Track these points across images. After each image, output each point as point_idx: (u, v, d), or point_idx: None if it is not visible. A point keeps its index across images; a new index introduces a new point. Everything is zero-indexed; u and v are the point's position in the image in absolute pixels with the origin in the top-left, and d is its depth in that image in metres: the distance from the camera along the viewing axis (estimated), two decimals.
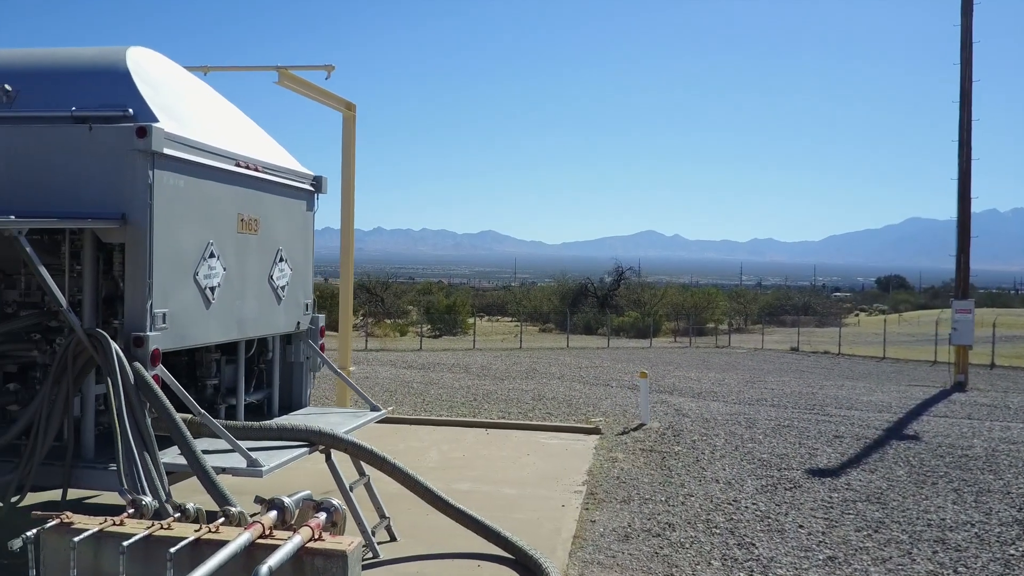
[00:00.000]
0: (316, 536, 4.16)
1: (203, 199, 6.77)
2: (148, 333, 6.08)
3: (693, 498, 9.21)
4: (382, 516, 7.53)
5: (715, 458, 11.25)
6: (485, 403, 15.86)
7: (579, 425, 13.21)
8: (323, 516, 4.36)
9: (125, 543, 4.06)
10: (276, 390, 8.45)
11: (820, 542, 7.76)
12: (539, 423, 13.35)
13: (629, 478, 10.04)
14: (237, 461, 6.25)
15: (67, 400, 5.96)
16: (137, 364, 5.93)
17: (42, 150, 6.24)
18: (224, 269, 7.07)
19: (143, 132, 6.00)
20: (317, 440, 7.00)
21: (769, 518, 8.50)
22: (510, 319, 62.00)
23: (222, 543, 4.14)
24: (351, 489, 7.16)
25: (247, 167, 7.41)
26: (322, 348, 8.91)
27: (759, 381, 21.36)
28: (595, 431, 12.83)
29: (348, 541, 4.21)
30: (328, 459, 7.13)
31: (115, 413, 5.71)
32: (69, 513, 4.40)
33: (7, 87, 6.60)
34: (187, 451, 5.84)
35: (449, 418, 13.71)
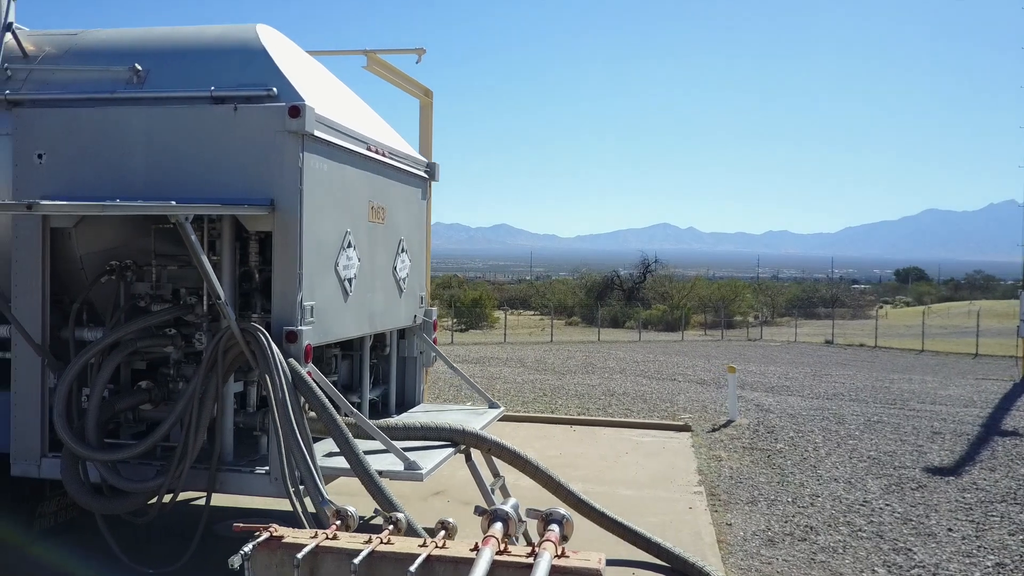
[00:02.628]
0: (560, 552, 3.75)
1: (343, 185, 6.37)
2: (301, 327, 5.69)
3: (819, 499, 8.78)
4: (519, 520, 7.10)
5: (822, 456, 10.81)
6: (557, 398, 15.44)
7: (667, 422, 12.78)
8: (556, 529, 3.95)
9: (356, 560, 3.68)
10: (393, 386, 8.06)
11: (979, 547, 7.32)
12: (625, 420, 12.92)
13: (743, 478, 9.61)
14: (393, 463, 5.86)
15: (217, 398, 5.58)
16: (292, 360, 5.54)
17: (179, 132, 5.83)
18: (359, 260, 6.68)
19: (296, 112, 5.58)
20: (461, 439, 6.61)
21: (911, 521, 8.05)
22: (532, 312, 61.53)
23: (456, 560, 3.74)
24: (492, 491, 6.77)
25: (377, 152, 7.01)
26: (434, 342, 8.51)
27: (824, 375, 20.87)
28: (685, 428, 12.40)
29: (597, 558, 3.80)
30: (468, 460, 6.73)
31: (276, 413, 5.32)
32: (276, 526, 4.01)
33: (137, 66, 6.20)
34: (350, 453, 5.44)
35: (531, 414, 13.30)
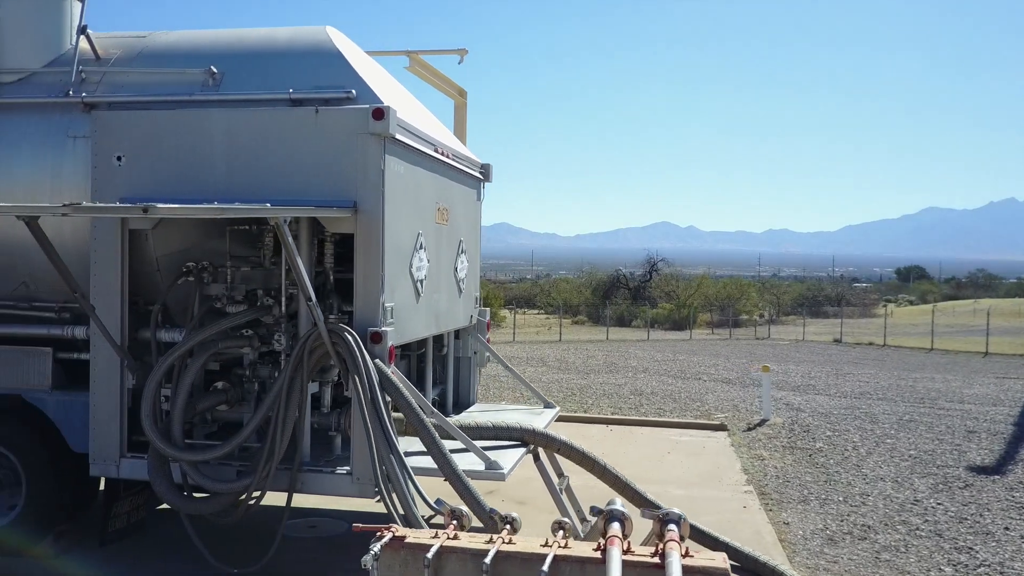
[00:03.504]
0: (684, 552, 3.79)
1: (415, 187, 6.40)
2: (385, 328, 5.72)
3: (870, 498, 8.82)
4: (583, 520, 7.15)
5: (863, 455, 10.85)
6: (586, 398, 15.47)
7: (703, 422, 12.81)
8: (675, 529, 3.98)
9: (487, 559, 3.71)
10: (451, 386, 8.10)
11: None
12: (661, 420, 12.96)
13: (789, 477, 9.65)
14: (473, 463, 5.89)
15: (303, 398, 5.61)
16: (378, 361, 5.57)
17: (258, 134, 5.86)
18: (428, 262, 6.71)
19: (380, 114, 5.61)
20: (531, 439, 6.65)
21: (966, 520, 8.09)
22: (537, 311, 61.45)
23: (582, 560, 3.78)
24: (561, 491, 6.80)
25: (442, 153, 7.04)
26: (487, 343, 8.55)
27: (846, 374, 20.92)
28: (721, 427, 12.44)
29: (720, 557, 3.84)
30: (537, 459, 6.77)
31: (365, 413, 5.36)
32: (395, 526, 4.04)
33: (213, 69, 6.23)
34: (437, 454, 5.47)
35: (566, 414, 13.33)
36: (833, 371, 21.37)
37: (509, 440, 6.55)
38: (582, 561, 3.77)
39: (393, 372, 5.68)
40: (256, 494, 5.66)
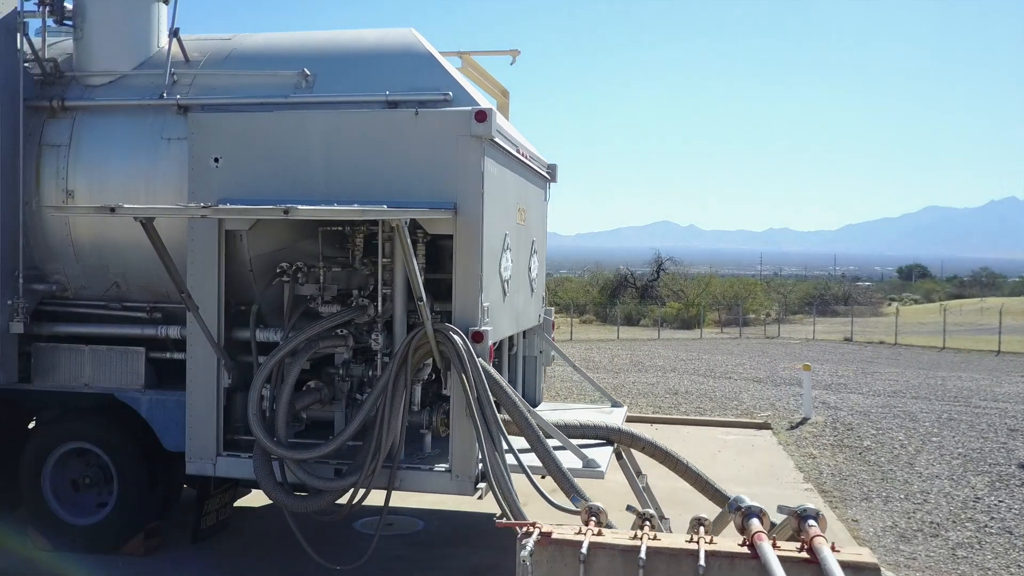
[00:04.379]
0: (831, 547, 3.86)
1: (504, 188, 6.46)
2: (486, 328, 5.79)
3: (931, 495, 8.90)
4: (662, 517, 7.22)
5: (912, 453, 10.93)
6: (621, 397, 15.50)
7: (747, 420, 12.90)
8: (816, 524, 4.05)
9: (641, 554, 3.78)
10: (519, 385, 8.16)
11: None
12: (706, 419, 13.04)
13: (845, 475, 9.73)
14: (570, 461, 5.96)
15: (407, 396, 5.66)
16: (482, 360, 5.63)
17: (357, 135, 5.90)
18: (511, 262, 6.78)
19: (483, 116, 5.67)
20: (617, 438, 6.73)
21: None
22: None
23: (731, 555, 3.85)
24: (647, 489, 6.88)
25: (521, 154, 7.10)
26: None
27: (872, 372, 21.01)
28: (765, 426, 12.52)
29: (867, 552, 3.91)
30: (620, 458, 6.84)
31: (475, 412, 5.42)
32: (540, 523, 4.11)
33: (306, 71, 6.30)
34: (543, 452, 5.54)
35: None
36: (859, 370, 21.45)
37: (596, 439, 6.62)
38: (731, 556, 3.84)
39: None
40: (360, 492, 5.70)
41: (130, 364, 6.48)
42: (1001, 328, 37.02)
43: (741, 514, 4.17)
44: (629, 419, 12.68)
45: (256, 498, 7.62)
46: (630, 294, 59.60)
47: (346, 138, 5.91)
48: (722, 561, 3.82)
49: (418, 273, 5.33)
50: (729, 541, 3.98)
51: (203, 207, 4.66)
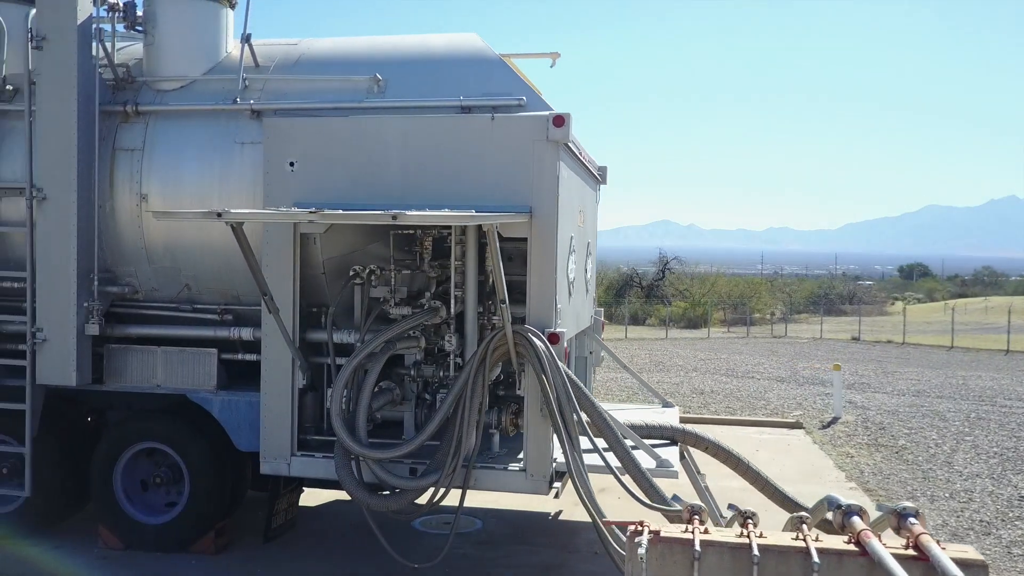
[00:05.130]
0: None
1: (571, 191, 6.55)
2: (562, 329, 5.88)
3: (974, 494, 9.00)
4: (721, 516, 7.32)
5: (948, 453, 11.03)
6: (648, 396, 15.61)
7: (779, 420, 13.00)
8: (917, 522, 4.15)
9: (754, 551, 3.88)
10: None
11: None
12: (738, 418, 13.13)
13: (886, 474, 9.83)
14: (645, 461, 6.04)
15: (484, 396, 5.75)
16: (560, 361, 5.72)
17: (432, 140, 5.98)
18: (574, 264, 6.87)
19: (561, 121, 5.76)
20: (681, 438, 6.83)
21: None
22: None
23: (840, 552, 3.94)
24: (707, 489, 6.98)
25: (583, 157, 7.19)
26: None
27: (892, 372, 21.11)
28: (797, 425, 12.62)
29: (972, 549, 4.01)
30: (682, 458, 6.94)
31: (555, 413, 5.52)
32: (646, 521, 4.20)
33: (378, 76, 6.39)
34: (622, 452, 5.63)
35: None
36: (878, 369, 21.55)
37: (661, 439, 6.72)
38: (839, 553, 3.94)
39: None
40: (439, 491, 5.79)
41: (203, 365, 6.57)
42: (1010, 327, 37.10)
43: (841, 512, 4.27)
44: None
45: (309, 497, 7.71)
46: (635, 293, 59.67)
47: (421, 143, 6.00)
48: (831, 559, 3.91)
49: (503, 275, 5.41)
50: (834, 539, 4.08)
51: (311, 211, 4.74)
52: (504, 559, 6.83)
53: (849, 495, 8.71)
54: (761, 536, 4.06)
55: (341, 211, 5.06)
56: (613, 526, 5.46)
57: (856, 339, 41.38)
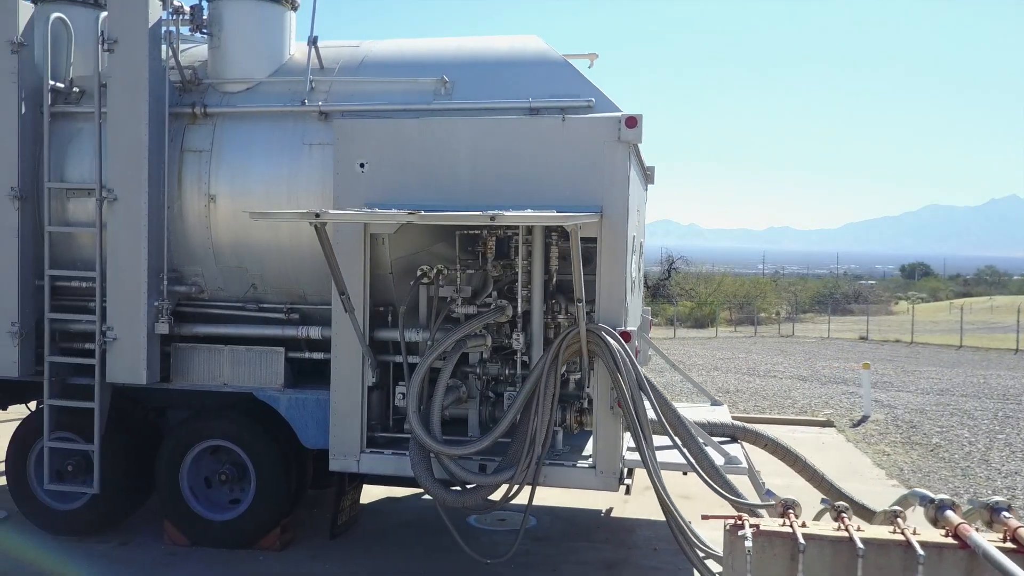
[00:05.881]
0: None
1: (634, 192, 6.63)
2: (632, 328, 5.96)
3: (1018, 491, 9.11)
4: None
5: (983, 450, 11.12)
6: (676, 396, 15.72)
7: (810, 418, 13.09)
8: (1010, 516, 4.23)
9: (860, 544, 3.96)
10: None
11: None
12: (769, 417, 13.21)
13: (925, 472, 9.91)
14: (713, 458, 6.12)
15: (556, 394, 5.82)
16: (634, 360, 5.80)
17: (502, 141, 6.03)
18: (634, 263, 6.95)
19: (633, 123, 5.84)
20: (742, 436, 6.91)
21: None
22: None
23: (939, 545, 4.02)
24: (764, 485, 7.04)
25: (640, 157, 7.27)
26: None
27: (912, 371, 21.22)
28: (829, 424, 12.71)
29: None
30: None
31: (631, 410, 5.59)
32: (745, 516, 4.28)
33: (445, 78, 6.47)
34: (696, 449, 5.71)
35: None
36: (898, 368, 21.65)
37: (722, 436, 6.80)
38: (939, 547, 4.02)
39: None
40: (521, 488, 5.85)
41: (270, 364, 6.64)
42: (1020, 327, 37.14)
43: (934, 507, 4.35)
44: None
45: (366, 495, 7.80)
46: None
47: (491, 144, 6.06)
48: (930, 552, 3.99)
49: (581, 275, 5.48)
50: (933, 532, 4.16)
51: (410, 213, 4.81)
52: (567, 555, 6.91)
53: (892, 492, 8.81)
54: (859, 529, 4.14)
55: (439, 212, 5.13)
56: (684, 522, 5.55)
57: (864, 338, 41.47)
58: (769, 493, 5.19)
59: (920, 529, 4.19)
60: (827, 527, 4.20)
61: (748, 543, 3.96)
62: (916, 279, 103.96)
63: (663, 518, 7.82)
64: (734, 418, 7.88)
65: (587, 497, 8.20)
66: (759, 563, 4.06)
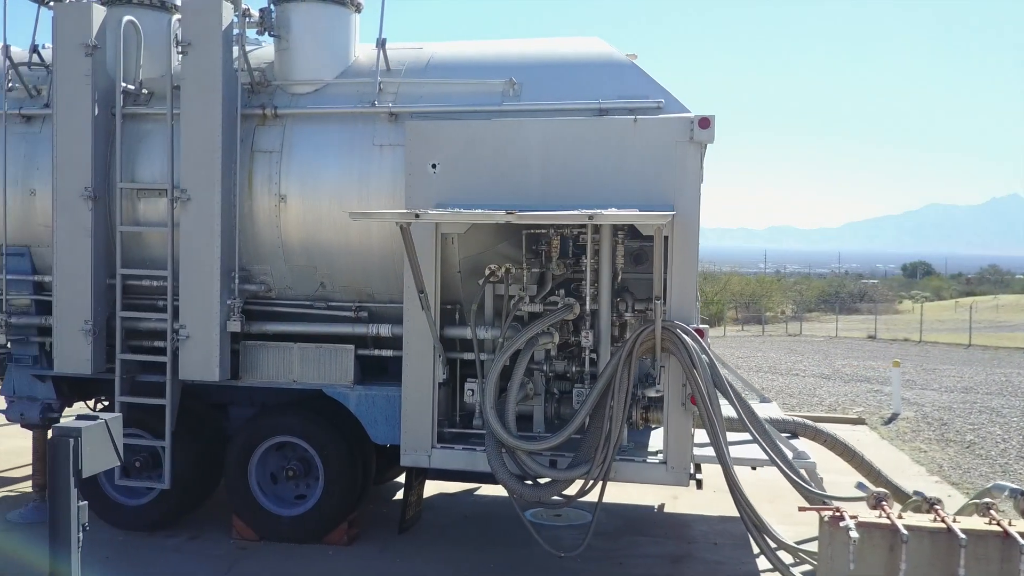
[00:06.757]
0: None
1: None
2: (704, 325, 6.06)
3: None
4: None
5: (1018, 447, 11.24)
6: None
7: (841, 416, 13.19)
8: None
9: (961, 535, 4.06)
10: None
11: None
12: (796, 414, 13.31)
13: (965, 468, 10.02)
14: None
15: (629, 389, 5.91)
16: (711, 356, 5.91)
17: (573, 142, 6.13)
18: None
19: (707, 123, 5.94)
20: (802, 432, 7.03)
21: None
22: None
23: None
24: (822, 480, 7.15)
25: None
26: None
27: (932, 369, 21.34)
28: (860, 422, 12.82)
29: None
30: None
31: (707, 407, 5.70)
32: (838, 506, 4.39)
33: (513, 80, 6.57)
34: (771, 444, 5.81)
35: None
36: (918, 367, 21.77)
37: (783, 431, 6.90)
38: None
39: None
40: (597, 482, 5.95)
41: (340, 361, 6.74)
42: (1017, 326, 37.17)
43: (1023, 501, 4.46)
44: None
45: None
46: None
47: (562, 145, 6.16)
48: None
49: (664, 273, 5.58)
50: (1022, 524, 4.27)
51: (507, 212, 4.91)
52: (629, 549, 7.01)
53: (935, 488, 8.93)
54: (955, 521, 4.24)
55: (536, 212, 5.23)
56: (752, 514, 5.66)
57: (872, 337, 41.55)
58: (861, 486, 5.29)
59: (1018, 520, 4.30)
60: (923, 519, 4.30)
61: (854, 534, 4.06)
62: (918, 278, 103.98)
63: (715, 513, 7.99)
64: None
65: (638, 493, 8.31)
66: (860, 553, 4.17)
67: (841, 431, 12.00)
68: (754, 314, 51.94)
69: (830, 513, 4.32)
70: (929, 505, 4.48)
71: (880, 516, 4.30)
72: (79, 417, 3.93)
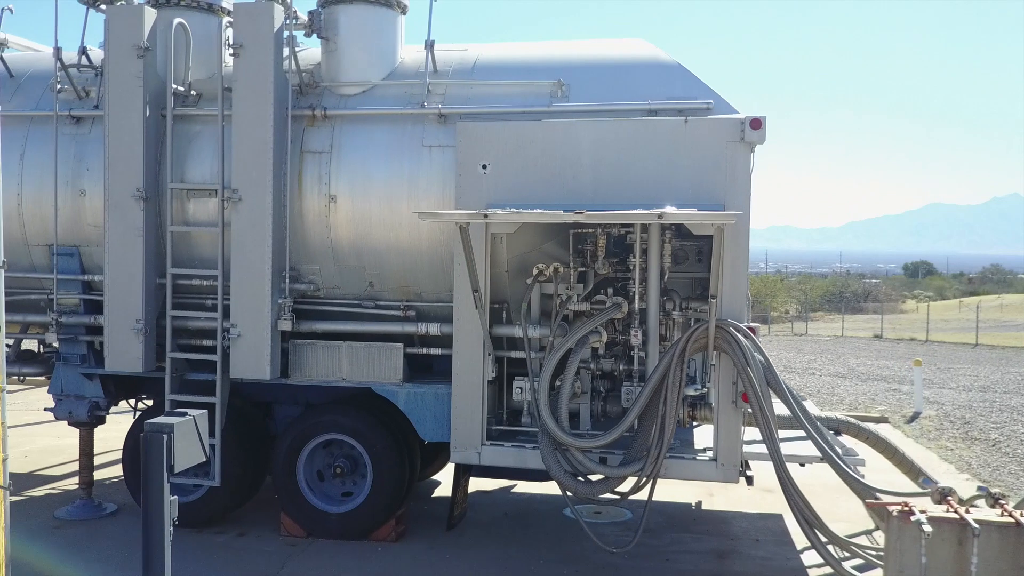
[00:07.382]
0: None
1: None
2: (755, 324, 6.13)
3: None
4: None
5: None
6: None
7: (864, 414, 13.26)
8: None
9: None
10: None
11: None
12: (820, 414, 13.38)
13: (994, 466, 10.09)
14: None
15: (682, 387, 5.98)
16: (764, 355, 5.98)
17: (624, 143, 6.19)
18: None
19: (758, 124, 6.01)
20: (844, 429, 7.09)
21: None
22: None
23: None
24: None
25: None
26: None
27: (947, 368, 21.41)
28: (883, 420, 12.89)
29: None
30: None
31: (759, 405, 5.77)
32: (907, 501, 4.46)
33: (561, 81, 6.64)
34: (822, 442, 5.88)
35: None
36: (931, 366, 21.82)
37: (828, 429, 6.95)
38: None
39: None
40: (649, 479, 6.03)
41: (389, 359, 6.81)
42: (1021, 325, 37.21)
43: None
44: None
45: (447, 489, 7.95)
46: None
47: (613, 145, 6.23)
48: None
49: (720, 273, 5.65)
50: None
51: (577, 212, 4.98)
52: (672, 545, 7.08)
53: (967, 487, 8.98)
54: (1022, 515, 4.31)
55: (603, 211, 5.30)
56: (806, 509, 5.73)
57: (879, 337, 41.59)
58: (926, 481, 5.36)
59: None
60: (990, 513, 4.37)
61: (927, 528, 4.13)
62: (920, 277, 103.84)
63: (753, 511, 8.06)
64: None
65: (675, 490, 8.38)
66: (929, 547, 4.24)
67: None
68: (759, 314, 51.95)
69: (898, 508, 4.39)
70: (995, 500, 4.55)
71: (948, 511, 4.37)
72: (167, 414, 4.00)
